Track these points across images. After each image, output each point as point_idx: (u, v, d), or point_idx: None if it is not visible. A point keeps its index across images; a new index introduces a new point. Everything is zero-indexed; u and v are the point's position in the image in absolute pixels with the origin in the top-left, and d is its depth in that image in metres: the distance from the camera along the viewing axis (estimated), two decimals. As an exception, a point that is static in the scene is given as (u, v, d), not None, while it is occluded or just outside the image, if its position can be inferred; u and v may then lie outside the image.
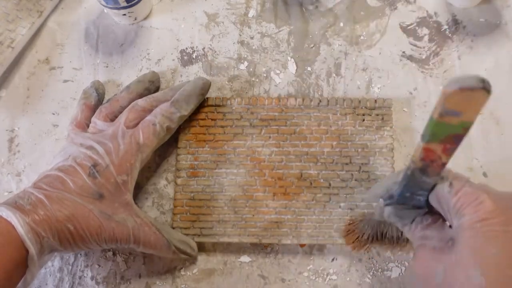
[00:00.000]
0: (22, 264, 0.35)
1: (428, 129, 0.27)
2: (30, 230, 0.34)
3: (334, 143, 0.45)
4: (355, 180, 0.44)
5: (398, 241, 0.39)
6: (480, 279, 0.27)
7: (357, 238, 0.40)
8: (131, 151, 0.40)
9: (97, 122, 0.43)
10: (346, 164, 0.44)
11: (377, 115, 0.45)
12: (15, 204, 0.36)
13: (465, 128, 0.26)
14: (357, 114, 0.45)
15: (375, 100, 0.45)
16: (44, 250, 0.36)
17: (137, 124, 0.42)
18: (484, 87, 0.24)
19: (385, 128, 0.45)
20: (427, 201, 0.33)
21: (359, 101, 0.45)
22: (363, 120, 0.45)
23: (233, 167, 0.45)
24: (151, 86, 0.47)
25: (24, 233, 0.34)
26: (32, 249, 0.34)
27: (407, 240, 0.38)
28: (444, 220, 0.33)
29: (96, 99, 0.46)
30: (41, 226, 0.35)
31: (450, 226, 0.32)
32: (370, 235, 0.39)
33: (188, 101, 0.44)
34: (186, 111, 0.43)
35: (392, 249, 0.41)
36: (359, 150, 0.44)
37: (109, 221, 0.38)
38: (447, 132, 0.27)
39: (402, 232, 0.38)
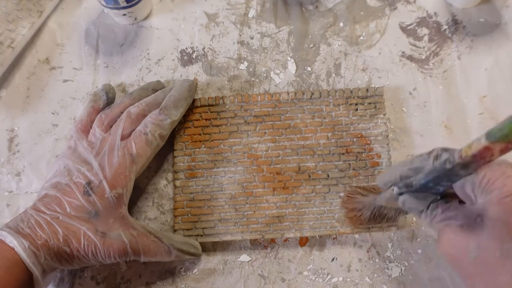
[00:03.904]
0: (29, 285, 0.37)
1: (503, 130, 0.27)
2: (31, 254, 0.37)
3: (329, 134, 0.45)
4: (353, 169, 0.44)
5: (394, 221, 0.41)
6: None
7: (354, 215, 0.41)
8: (125, 164, 0.41)
9: (96, 131, 0.43)
10: (343, 154, 0.44)
11: (370, 103, 0.45)
12: (16, 228, 0.38)
13: None
14: (350, 104, 0.46)
15: (367, 89, 0.46)
16: (46, 270, 0.38)
17: (132, 132, 0.43)
18: None
19: (379, 116, 0.45)
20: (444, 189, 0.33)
21: (351, 91, 0.46)
22: (356, 109, 0.45)
23: (231, 165, 0.45)
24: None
25: (27, 257, 0.36)
26: (36, 272, 0.37)
27: (401, 216, 0.40)
28: (460, 202, 0.33)
29: (105, 103, 0.46)
30: (41, 250, 0.37)
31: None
32: (369, 216, 0.40)
33: (177, 106, 0.44)
34: (176, 116, 0.43)
35: (386, 227, 0.42)
36: (355, 139, 0.45)
37: (105, 239, 0.39)
38: None
39: (398, 213, 0.39)
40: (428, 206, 0.33)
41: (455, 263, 0.31)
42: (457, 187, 0.32)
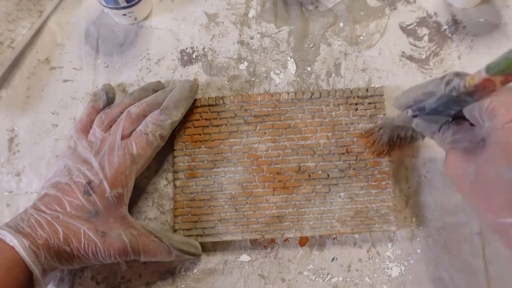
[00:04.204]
0: (29, 285, 0.37)
1: (500, 65, 0.28)
2: (32, 254, 0.37)
3: (330, 134, 0.45)
4: (353, 169, 0.44)
5: (412, 140, 0.41)
6: (510, 175, 0.28)
7: (374, 142, 0.42)
8: (125, 164, 0.41)
9: (96, 130, 0.43)
10: (343, 154, 0.44)
11: (370, 103, 0.45)
12: (16, 228, 0.38)
13: None
14: (350, 104, 0.46)
15: (367, 89, 0.46)
16: (47, 270, 0.38)
17: (132, 132, 0.43)
18: None
19: (379, 116, 0.45)
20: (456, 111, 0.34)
21: (351, 91, 0.46)
22: (356, 109, 0.45)
23: (231, 165, 0.45)
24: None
25: (27, 257, 0.36)
26: (36, 271, 0.37)
27: (419, 138, 0.40)
28: (471, 124, 0.33)
29: (105, 103, 0.46)
30: (41, 249, 0.37)
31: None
32: (388, 139, 0.41)
33: (178, 106, 0.44)
34: (176, 116, 0.43)
35: (406, 149, 0.43)
36: (355, 139, 0.45)
37: (105, 238, 0.39)
38: None
39: (416, 133, 0.39)
40: (440, 128, 0.34)
41: (456, 183, 0.33)
42: (466, 112, 0.33)
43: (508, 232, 0.29)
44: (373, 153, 0.44)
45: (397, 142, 0.41)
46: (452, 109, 0.33)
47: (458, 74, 0.32)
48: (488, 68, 0.29)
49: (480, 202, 0.31)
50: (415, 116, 0.36)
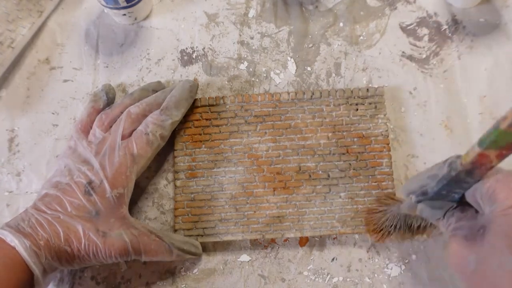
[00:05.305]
0: (29, 285, 0.37)
1: (490, 136, 0.27)
2: (33, 254, 0.36)
3: (330, 134, 0.45)
4: (353, 169, 0.44)
5: (422, 229, 0.39)
6: None
7: (379, 229, 0.40)
8: (126, 164, 0.41)
9: (96, 131, 0.43)
10: (343, 154, 0.44)
11: (370, 103, 0.45)
12: (17, 228, 0.38)
13: None
14: (350, 104, 0.46)
15: (367, 89, 0.46)
16: (47, 270, 0.38)
17: (132, 132, 0.43)
18: None
19: (379, 116, 0.45)
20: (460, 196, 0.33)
21: (351, 91, 0.46)
22: (357, 109, 0.45)
23: (231, 165, 0.45)
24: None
25: (28, 257, 0.36)
26: (37, 271, 0.36)
27: (430, 226, 0.38)
28: (476, 211, 0.32)
29: (105, 103, 0.46)
30: (42, 249, 0.37)
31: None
32: (395, 228, 0.39)
33: (178, 106, 0.44)
34: (177, 116, 0.44)
35: (413, 237, 0.41)
36: (355, 139, 0.45)
37: (105, 238, 0.39)
38: (509, 140, 0.27)
39: (425, 221, 0.38)
40: (445, 214, 0.33)
41: (458, 273, 0.31)
42: (469, 196, 0.32)
43: None
44: (371, 232, 0.41)
45: (403, 231, 0.40)
46: (454, 192, 0.32)
47: (459, 156, 0.31)
48: (480, 142, 0.28)
49: None
50: (419, 202, 0.34)
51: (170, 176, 0.47)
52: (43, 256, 0.37)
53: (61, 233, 0.38)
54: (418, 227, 0.39)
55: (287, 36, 0.50)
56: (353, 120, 0.45)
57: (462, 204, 0.33)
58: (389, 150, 0.44)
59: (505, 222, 0.28)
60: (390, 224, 0.39)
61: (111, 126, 0.43)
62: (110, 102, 0.46)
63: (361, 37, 0.50)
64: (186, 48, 0.51)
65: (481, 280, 0.29)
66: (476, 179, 0.30)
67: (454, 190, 0.32)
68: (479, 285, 0.30)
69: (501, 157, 0.28)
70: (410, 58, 0.49)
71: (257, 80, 0.49)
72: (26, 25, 0.51)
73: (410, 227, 0.39)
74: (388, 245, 0.43)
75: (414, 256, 0.43)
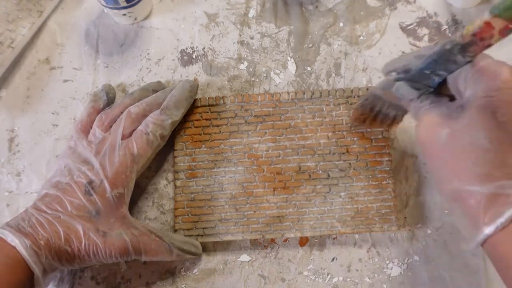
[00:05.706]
0: (29, 285, 0.37)
1: (506, 2, 0.27)
2: (33, 253, 0.36)
3: (330, 134, 0.45)
4: (353, 169, 0.44)
5: (394, 120, 0.40)
6: (484, 142, 0.27)
7: (360, 115, 0.42)
8: (126, 163, 0.41)
9: (96, 131, 0.43)
10: (343, 153, 0.44)
11: None
12: (17, 227, 0.38)
13: None
14: (350, 104, 0.46)
15: (367, 89, 0.46)
16: (47, 270, 0.38)
17: (132, 132, 0.43)
18: None
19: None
20: (439, 83, 0.33)
21: (351, 91, 0.46)
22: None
23: (231, 165, 0.45)
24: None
25: (28, 256, 0.36)
26: (37, 271, 0.36)
27: (400, 117, 0.40)
28: (451, 100, 0.33)
29: (105, 103, 0.46)
30: (42, 249, 0.37)
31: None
32: (370, 109, 0.40)
33: (178, 106, 0.44)
34: (177, 116, 0.44)
35: (387, 126, 0.42)
36: (355, 139, 0.45)
37: (106, 238, 0.39)
38: None
39: (401, 113, 0.39)
40: (420, 96, 0.34)
41: (425, 145, 0.31)
42: (451, 79, 0.32)
43: (466, 201, 0.28)
44: (353, 120, 0.43)
45: (381, 120, 0.41)
46: (437, 74, 0.32)
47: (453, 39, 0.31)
48: (493, 8, 0.28)
49: (445, 168, 0.30)
50: (398, 80, 0.35)
51: (170, 176, 0.47)
52: (43, 255, 0.37)
53: (61, 233, 0.38)
54: (386, 116, 0.40)
55: (287, 36, 0.50)
56: None
57: (439, 92, 0.33)
58: (389, 150, 0.44)
59: (485, 102, 0.28)
60: (368, 107, 0.40)
61: (111, 126, 0.43)
62: (110, 102, 0.46)
63: (361, 37, 0.50)
64: (186, 48, 0.51)
65: (449, 154, 0.29)
66: (466, 60, 0.30)
67: (439, 71, 0.32)
68: (444, 161, 0.30)
69: (504, 32, 0.28)
70: (410, 58, 0.49)
71: (257, 80, 0.49)
72: (26, 25, 0.51)
73: (385, 116, 0.40)
74: (388, 245, 0.43)
75: (414, 256, 0.43)
